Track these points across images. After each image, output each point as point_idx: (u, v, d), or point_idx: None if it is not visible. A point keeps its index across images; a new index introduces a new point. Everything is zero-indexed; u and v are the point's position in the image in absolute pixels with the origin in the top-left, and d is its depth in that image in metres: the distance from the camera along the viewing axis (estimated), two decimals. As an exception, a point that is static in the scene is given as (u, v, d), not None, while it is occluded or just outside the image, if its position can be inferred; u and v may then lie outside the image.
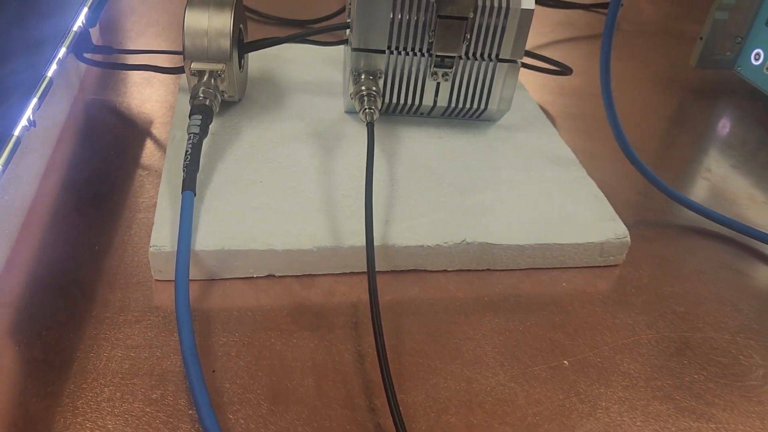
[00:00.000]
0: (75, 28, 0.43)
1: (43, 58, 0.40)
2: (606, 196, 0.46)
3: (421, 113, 0.51)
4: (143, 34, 0.65)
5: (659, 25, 0.84)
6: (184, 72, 0.47)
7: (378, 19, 0.45)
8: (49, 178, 0.44)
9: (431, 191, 0.44)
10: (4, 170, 0.31)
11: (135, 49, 0.58)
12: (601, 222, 0.43)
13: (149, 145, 0.49)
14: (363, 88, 0.46)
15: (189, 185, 0.39)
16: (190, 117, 0.43)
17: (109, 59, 0.54)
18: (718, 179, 0.54)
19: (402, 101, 0.50)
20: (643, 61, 0.74)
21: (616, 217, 0.44)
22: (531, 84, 0.64)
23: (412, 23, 0.46)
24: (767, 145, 0.61)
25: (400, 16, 0.45)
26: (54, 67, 0.39)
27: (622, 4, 0.84)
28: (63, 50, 0.41)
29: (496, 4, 0.45)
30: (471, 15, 0.45)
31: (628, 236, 0.42)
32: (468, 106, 0.50)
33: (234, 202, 0.41)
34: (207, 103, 0.44)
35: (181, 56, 0.46)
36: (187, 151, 0.41)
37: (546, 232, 0.42)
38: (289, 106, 0.52)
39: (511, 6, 0.46)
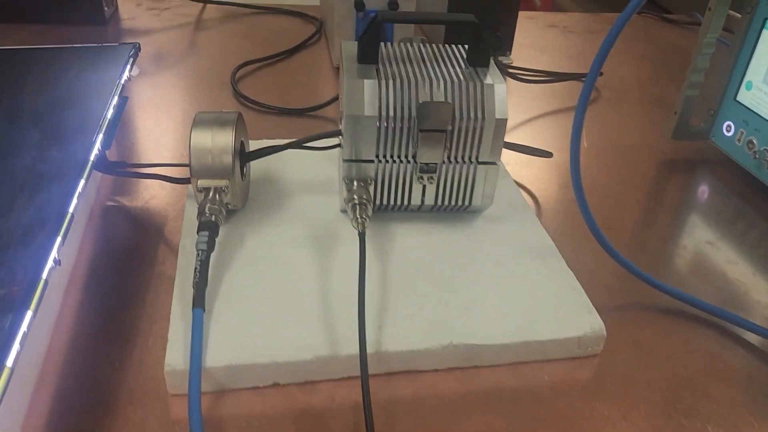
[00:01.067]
0: (92, 157, 0.48)
1: (65, 192, 0.44)
2: (584, 284, 0.49)
3: (411, 210, 0.56)
4: (152, 148, 0.70)
5: (639, 91, 0.88)
6: (191, 183, 0.52)
7: (366, 134, 0.50)
8: (71, 293, 0.49)
9: (420, 290, 0.48)
10: (34, 315, 0.36)
11: (146, 163, 0.63)
12: (579, 315, 0.47)
13: (162, 252, 0.53)
14: (355, 196, 0.50)
15: (198, 302, 0.43)
16: (198, 233, 0.48)
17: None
18: (694, 257, 0.58)
19: (392, 202, 0.54)
20: (621, 131, 0.78)
21: (593, 309, 0.47)
22: (514, 162, 0.68)
23: (397, 136, 0.50)
24: (742, 215, 0.64)
25: (385, 131, 0.50)
26: (75, 201, 0.44)
27: (601, 74, 0.89)
28: (82, 182, 0.45)
29: (471, 116, 0.50)
30: (449, 127, 0.50)
31: (604, 329, 0.46)
32: (453, 203, 0.54)
33: (240, 313, 0.45)
34: (213, 219, 0.48)
35: (188, 167, 0.51)
36: (196, 268, 0.45)
37: (527, 329, 0.45)
38: (288, 208, 0.56)
39: (486, 117, 0.50)
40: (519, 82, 0.86)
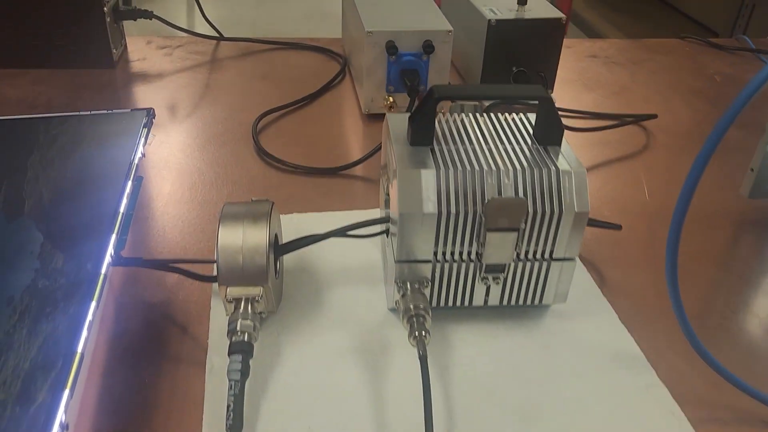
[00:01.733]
0: (104, 271, 0.41)
1: (72, 323, 0.37)
2: (676, 396, 0.42)
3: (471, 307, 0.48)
4: (170, 229, 0.63)
5: (698, 134, 0.80)
6: (217, 281, 0.45)
7: (422, 232, 0.43)
8: (84, 413, 0.41)
9: (493, 421, 0.40)
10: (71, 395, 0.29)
11: (166, 258, 0.55)
12: (684, 453, 0.39)
13: (185, 367, 0.46)
14: (411, 306, 0.43)
15: (234, 454, 0.36)
16: (229, 356, 0.41)
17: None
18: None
19: (450, 302, 0.46)
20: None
21: (699, 443, 0.40)
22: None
23: (459, 234, 0.43)
24: (837, 291, 0.57)
25: (445, 229, 0.42)
26: (84, 335, 0.37)
27: (655, 116, 0.81)
28: (92, 307, 0.38)
29: (548, 210, 0.42)
30: (522, 225, 0.42)
31: (716, 471, 0.39)
32: (520, 302, 0.47)
33: (282, 462, 0.38)
34: (246, 339, 0.41)
35: (214, 263, 0.44)
36: (229, 406, 0.38)
37: (625, 475, 0.38)
38: (328, 307, 0.49)
39: (563, 210, 0.42)
40: (567, 131, 0.78)
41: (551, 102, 0.43)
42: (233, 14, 3.06)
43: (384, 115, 0.80)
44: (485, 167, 0.42)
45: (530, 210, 0.42)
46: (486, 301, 0.46)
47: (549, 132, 0.45)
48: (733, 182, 0.71)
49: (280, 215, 0.59)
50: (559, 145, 0.45)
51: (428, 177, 0.42)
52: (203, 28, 1.02)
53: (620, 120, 0.81)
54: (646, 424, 0.41)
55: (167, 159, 0.71)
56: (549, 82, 0.84)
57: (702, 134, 0.80)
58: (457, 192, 0.42)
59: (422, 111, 0.43)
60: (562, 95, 0.88)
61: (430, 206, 0.42)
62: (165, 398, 0.43)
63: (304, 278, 0.52)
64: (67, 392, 0.33)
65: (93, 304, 0.38)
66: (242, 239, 0.44)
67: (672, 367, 0.47)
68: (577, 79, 0.93)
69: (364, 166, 0.70)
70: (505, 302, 0.47)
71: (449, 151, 0.44)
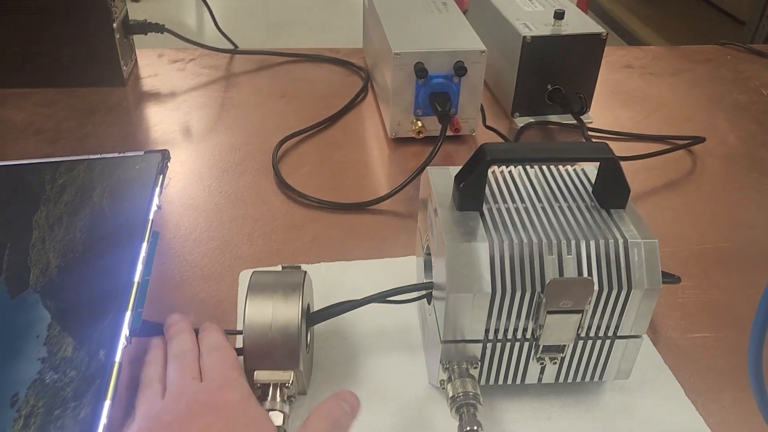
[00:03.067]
0: (116, 370, 0.37)
1: (92, 414, 0.33)
2: None
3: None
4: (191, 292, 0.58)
5: (747, 158, 0.75)
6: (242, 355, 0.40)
7: (473, 311, 0.38)
8: None
9: None
10: None
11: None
12: None
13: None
14: (460, 393, 0.38)
15: None
16: (258, 454, 0.36)
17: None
18: None
19: (500, 381, 0.42)
20: (739, 215, 0.65)
21: None
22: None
23: (515, 313, 0.38)
24: None
25: (499, 308, 0.38)
26: (104, 420, 0.33)
27: (703, 139, 0.76)
28: (106, 408, 0.34)
29: (615, 287, 0.38)
30: (587, 307, 0.38)
31: None
32: (578, 380, 0.42)
33: None
34: (277, 433, 0.37)
35: (241, 335, 0.39)
36: None
37: None
38: (363, 382, 0.44)
39: (633, 287, 0.38)
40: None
41: (617, 163, 0.39)
42: (243, 3, 2.99)
43: (413, 140, 0.75)
44: (543, 238, 0.38)
45: (595, 287, 0.37)
46: (540, 379, 0.42)
47: (613, 193, 0.40)
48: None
49: (306, 265, 0.55)
50: (624, 208, 0.40)
51: (480, 250, 0.37)
52: (215, 34, 0.97)
53: (668, 143, 0.75)
54: None
55: (182, 193, 0.66)
56: (587, 102, 0.78)
57: (752, 158, 0.75)
58: (513, 268, 0.37)
59: (473, 175, 0.38)
60: (599, 113, 0.82)
61: (483, 285, 0.37)
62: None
63: (335, 344, 0.47)
64: None
65: (107, 403, 0.34)
66: (272, 316, 0.39)
67: (745, 449, 0.42)
68: (612, 94, 0.88)
69: (392, 200, 0.65)
70: (561, 380, 0.42)
71: (500, 213, 0.40)
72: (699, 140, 0.75)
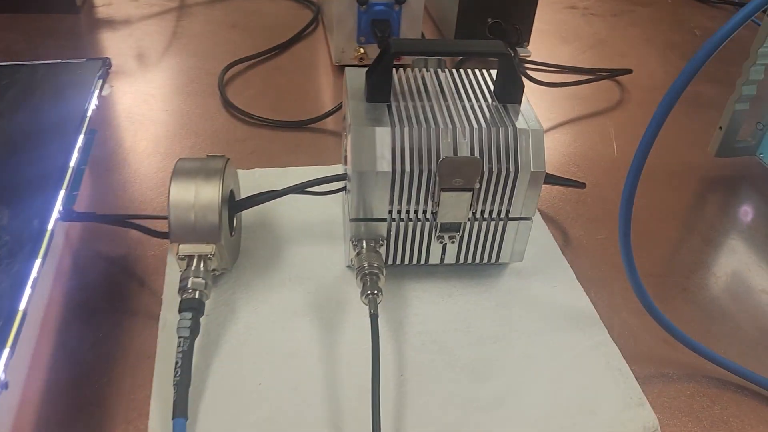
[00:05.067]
0: (50, 227, 0.40)
1: (14, 282, 0.37)
2: (627, 356, 0.43)
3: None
4: (130, 180, 0.62)
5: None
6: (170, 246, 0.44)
7: (377, 191, 0.42)
8: (36, 367, 0.41)
9: (442, 379, 0.41)
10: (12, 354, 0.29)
11: (120, 214, 0.54)
12: (628, 410, 0.40)
13: (141, 321, 0.46)
14: (365, 264, 0.42)
15: (180, 411, 0.36)
16: (179, 312, 0.40)
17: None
18: (754, 309, 0.51)
19: (406, 261, 0.46)
20: (656, 144, 0.70)
21: (644, 401, 0.41)
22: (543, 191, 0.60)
23: (414, 193, 0.42)
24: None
25: (400, 188, 0.42)
26: (35, 275, 0.36)
27: (630, 71, 0.80)
28: (37, 264, 0.38)
29: (503, 169, 0.42)
30: (477, 185, 0.42)
31: (659, 427, 0.39)
32: (477, 261, 0.47)
33: (231, 420, 0.38)
34: (197, 297, 0.41)
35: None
36: (177, 363, 0.38)
37: (567, 430, 0.39)
38: (285, 264, 0.48)
39: (519, 169, 0.42)
40: (539, 86, 0.77)
41: (511, 59, 0.42)
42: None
43: (355, 66, 0.78)
44: (441, 125, 0.42)
45: (485, 169, 0.42)
46: (442, 259, 0.46)
47: (509, 89, 0.44)
48: (703, 140, 0.70)
49: (242, 170, 0.59)
50: (519, 102, 0.44)
51: (383, 135, 0.41)
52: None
53: (595, 75, 0.79)
54: (592, 381, 0.41)
55: (129, 110, 0.69)
56: (525, 35, 0.82)
57: (676, 90, 0.79)
58: (412, 150, 0.41)
59: (379, 66, 0.42)
60: (538, 48, 0.86)
61: (384, 164, 0.41)
62: (120, 352, 0.43)
63: (263, 234, 0.51)
64: (7, 351, 0.33)
65: (38, 261, 0.38)
66: (194, 196, 0.43)
67: (624, 325, 0.47)
68: (554, 32, 0.91)
69: (333, 119, 0.69)
70: (461, 261, 0.47)
71: (406, 108, 0.44)
72: (626, 71, 0.79)
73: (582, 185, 0.57)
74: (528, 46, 0.85)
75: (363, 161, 0.41)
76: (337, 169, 0.59)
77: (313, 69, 0.79)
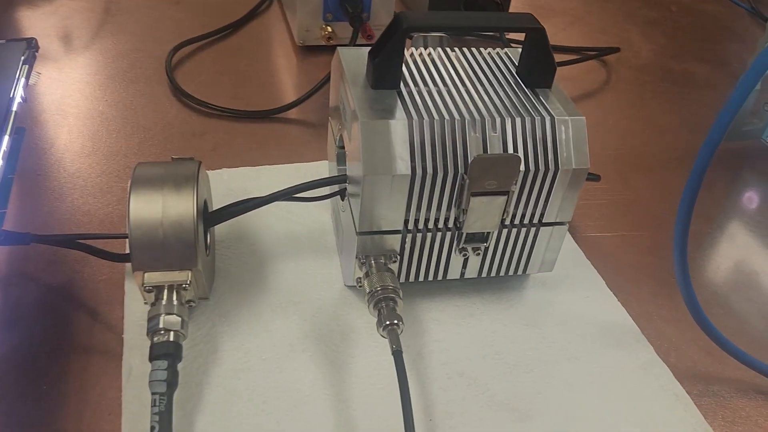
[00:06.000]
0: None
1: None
2: (674, 371, 0.37)
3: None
4: (68, 193, 0.51)
5: (660, 69, 0.75)
6: (132, 272, 0.35)
7: (392, 198, 0.34)
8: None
9: (479, 421, 0.34)
10: None
11: (68, 234, 0.44)
12: (695, 444, 0.34)
13: (97, 363, 0.37)
14: (378, 286, 0.35)
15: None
16: (151, 361, 0.32)
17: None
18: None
19: (421, 277, 0.39)
20: (648, 122, 0.65)
21: (707, 426, 0.35)
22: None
23: (436, 199, 0.35)
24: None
25: (419, 194, 0.34)
26: None
27: (618, 49, 0.75)
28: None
29: (542, 167, 0.35)
30: (513, 188, 0.35)
31: (732, 464, 0.34)
32: (502, 273, 0.40)
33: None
34: (172, 339, 0.32)
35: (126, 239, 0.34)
36: (153, 428, 0.30)
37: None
38: (271, 285, 0.40)
39: (561, 167, 0.35)
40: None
41: (544, 35, 0.35)
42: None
43: (322, 47, 0.70)
44: (467, 116, 0.34)
45: (523, 168, 0.35)
46: (463, 274, 0.39)
47: (538, 71, 0.37)
48: (701, 121, 0.66)
49: (207, 171, 0.50)
50: (550, 87, 0.38)
51: (398, 129, 0.33)
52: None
53: (584, 54, 0.74)
54: (649, 411, 0.35)
55: (61, 102, 0.58)
56: (503, 9, 0.75)
57: (663, 69, 0.75)
58: (434, 147, 0.34)
59: (388, 47, 0.34)
60: (515, 25, 0.79)
61: (401, 166, 0.33)
62: (71, 410, 0.34)
63: (240, 250, 0.43)
64: None
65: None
66: (162, 211, 0.34)
67: (662, 336, 0.42)
68: (530, 8, 0.85)
69: (301, 108, 0.60)
70: (484, 274, 0.40)
71: (420, 94, 0.36)
72: (614, 50, 0.74)
73: (597, 178, 0.51)
74: (505, 23, 0.78)
75: (376, 162, 0.33)
76: (321, 167, 0.51)
77: (273, 50, 0.70)
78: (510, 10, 0.78)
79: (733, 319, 0.45)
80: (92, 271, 0.42)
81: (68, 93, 0.59)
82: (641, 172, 0.58)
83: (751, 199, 0.60)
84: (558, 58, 0.73)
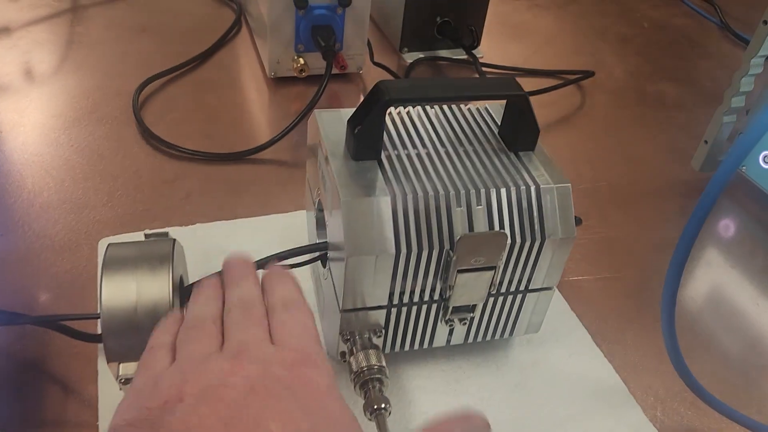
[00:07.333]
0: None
1: None
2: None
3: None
4: (39, 269, 0.48)
5: (635, 92, 0.74)
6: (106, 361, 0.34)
7: (375, 276, 0.33)
8: None
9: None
10: None
11: (38, 315, 0.41)
12: None
13: (69, 452, 0.35)
14: (363, 366, 0.34)
15: None
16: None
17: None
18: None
19: (407, 347, 0.38)
20: (625, 148, 0.65)
21: (702, 501, 0.35)
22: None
23: (420, 277, 0.34)
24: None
25: (403, 271, 0.33)
26: None
27: (593, 74, 0.74)
28: None
29: (528, 238, 0.34)
30: (501, 263, 0.34)
31: None
32: (488, 338, 0.39)
33: None
34: (152, 435, 0.31)
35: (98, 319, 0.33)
36: None
37: None
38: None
39: (546, 236, 0.34)
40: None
41: (527, 101, 0.35)
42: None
43: (294, 79, 0.68)
44: (450, 188, 0.33)
45: (509, 242, 0.34)
46: (449, 341, 0.39)
47: (521, 135, 0.36)
48: (676, 146, 0.66)
49: (179, 228, 0.48)
50: (533, 150, 0.37)
51: (382, 206, 0.32)
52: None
53: (559, 78, 0.73)
54: (641, 479, 0.35)
55: (23, 148, 0.56)
56: (478, 35, 0.74)
57: (638, 92, 0.75)
58: (418, 224, 0.33)
59: (369, 119, 0.33)
60: (488, 47, 0.78)
61: (386, 245, 0.32)
62: None
63: (218, 317, 0.41)
64: None
65: None
66: (137, 297, 0.33)
67: (648, 390, 0.42)
68: (501, 27, 0.84)
69: (275, 147, 0.59)
70: (470, 340, 0.39)
71: (400, 161, 0.35)
72: (589, 74, 0.73)
73: (578, 221, 0.50)
74: (479, 46, 0.77)
75: (360, 242, 0.32)
76: (299, 217, 0.49)
77: (245, 83, 0.68)
78: (484, 29, 0.77)
79: (710, 354, 0.45)
80: (60, 347, 0.40)
81: (30, 139, 0.57)
82: (619, 208, 0.58)
83: (727, 227, 0.61)
84: (533, 82, 0.73)
